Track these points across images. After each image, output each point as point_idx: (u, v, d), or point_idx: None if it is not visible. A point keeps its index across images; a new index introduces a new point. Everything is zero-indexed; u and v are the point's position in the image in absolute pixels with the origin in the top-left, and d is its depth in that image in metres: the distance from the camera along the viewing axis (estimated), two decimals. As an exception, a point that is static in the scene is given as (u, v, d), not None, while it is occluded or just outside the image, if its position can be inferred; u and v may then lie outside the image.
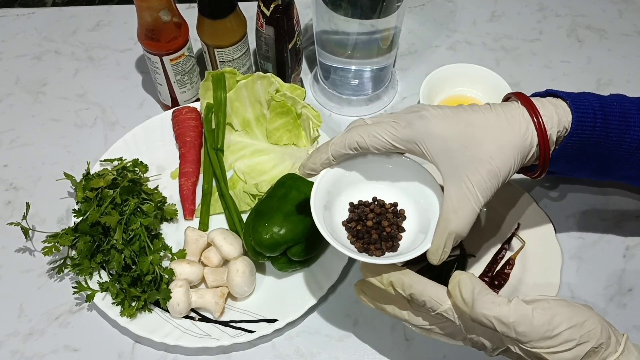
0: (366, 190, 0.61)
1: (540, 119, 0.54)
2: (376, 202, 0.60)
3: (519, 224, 0.73)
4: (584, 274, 0.72)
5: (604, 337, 0.48)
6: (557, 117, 0.55)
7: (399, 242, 0.58)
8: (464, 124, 0.54)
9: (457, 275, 0.52)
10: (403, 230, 0.59)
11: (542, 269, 0.70)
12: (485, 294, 0.50)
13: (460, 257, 0.71)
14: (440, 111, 0.54)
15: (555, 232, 0.72)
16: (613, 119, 0.56)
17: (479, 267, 0.71)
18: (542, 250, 0.71)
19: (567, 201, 0.77)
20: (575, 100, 0.56)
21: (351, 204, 0.60)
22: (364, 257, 0.54)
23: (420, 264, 0.71)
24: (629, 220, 0.76)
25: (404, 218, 0.59)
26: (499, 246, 0.72)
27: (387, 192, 0.61)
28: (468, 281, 0.51)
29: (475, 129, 0.53)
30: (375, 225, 0.58)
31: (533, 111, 0.55)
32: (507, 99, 0.60)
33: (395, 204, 0.60)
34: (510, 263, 0.71)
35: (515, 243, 0.72)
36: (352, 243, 0.57)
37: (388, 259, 0.54)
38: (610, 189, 0.78)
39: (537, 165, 0.58)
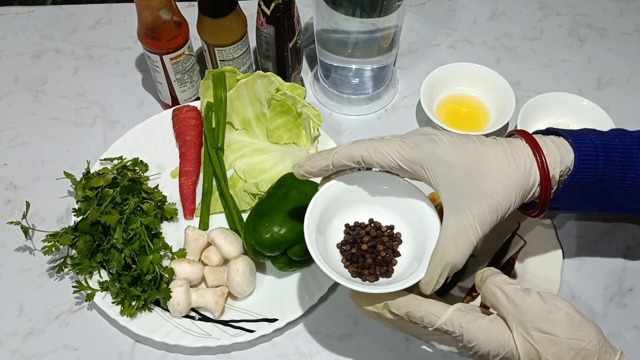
0: (362, 212, 0.60)
1: (544, 159, 0.54)
2: (372, 224, 0.59)
3: (519, 224, 0.73)
4: (584, 273, 0.72)
5: (600, 340, 0.49)
6: (560, 157, 0.55)
7: (394, 268, 0.57)
8: (471, 154, 0.53)
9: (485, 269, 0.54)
10: (398, 254, 0.58)
11: (542, 269, 0.70)
12: (501, 275, 0.52)
13: (461, 256, 0.71)
14: (450, 138, 0.54)
15: (556, 232, 0.72)
16: (615, 155, 0.56)
17: (479, 268, 0.71)
18: (543, 250, 0.71)
19: (568, 201, 0.77)
20: (577, 139, 0.56)
21: (347, 225, 0.59)
22: (356, 286, 0.53)
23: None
24: (629, 220, 0.76)
25: (400, 242, 0.58)
26: (499, 246, 0.72)
27: (383, 215, 0.60)
28: (491, 271, 0.54)
29: (482, 161, 0.53)
30: (370, 249, 0.57)
31: (537, 150, 0.55)
32: (510, 135, 0.59)
33: (391, 227, 0.59)
34: (510, 263, 0.71)
35: (516, 243, 0.72)
36: (345, 267, 0.57)
37: (381, 287, 0.53)
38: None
39: (537, 204, 0.58)
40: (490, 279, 0.53)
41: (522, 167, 0.54)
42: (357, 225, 0.59)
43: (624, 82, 0.90)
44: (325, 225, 0.58)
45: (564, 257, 0.70)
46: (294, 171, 0.59)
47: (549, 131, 0.59)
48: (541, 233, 0.72)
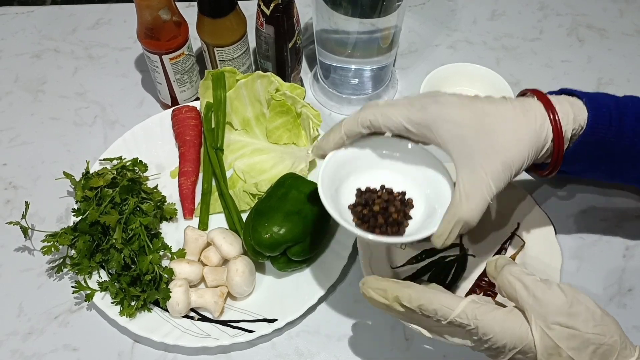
0: (374, 177, 0.60)
1: (557, 115, 0.54)
2: (384, 190, 0.59)
3: (519, 224, 0.73)
4: (584, 274, 0.72)
5: (621, 336, 0.48)
6: (573, 115, 0.55)
7: (405, 229, 0.57)
8: (480, 112, 0.53)
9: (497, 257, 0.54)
10: (410, 217, 0.58)
11: (542, 269, 0.69)
12: (517, 265, 0.51)
13: (461, 257, 0.71)
14: (456, 98, 0.54)
15: (555, 232, 0.72)
16: (628, 119, 0.56)
17: (478, 267, 0.71)
18: (542, 250, 0.71)
19: (567, 201, 0.77)
20: (591, 99, 0.57)
21: (359, 189, 0.59)
22: (370, 236, 0.54)
23: (419, 265, 0.71)
24: (629, 220, 0.76)
25: (412, 207, 0.59)
26: (499, 246, 0.72)
27: (395, 180, 0.60)
28: (505, 259, 0.53)
29: (491, 118, 0.53)
30: (382, 210, 0.57)
31: (549, 107, 0.55)
32: (522, 94, 0.60)
33: (403, 193, 0.59)
34: (510, 263, 0.71)
35: (515, 243, 0.72)
36: (357, 226, 0.57)
37: (392, 239, 0.55)
38: (610, 189, 0.78)
39: (548, 164, 0.58)
40: (507, 268, 0.51)
41: (533, 123, 0.54)
42: (369, 190, 0.59)
43: (623, 82, 0.90)
44: (337, 188, 0.58)
45: (563, 257, 0.70)
46: (313, 154, 0.59)
47: (563, 91, 0.59)
48: (541, 233, 0.72)
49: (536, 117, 0.54)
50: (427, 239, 0.54)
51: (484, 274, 0.70)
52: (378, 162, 0.60)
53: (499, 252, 0.72)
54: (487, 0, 1.01)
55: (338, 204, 0.58)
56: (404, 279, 0.69)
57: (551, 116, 0.54)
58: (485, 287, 0.69)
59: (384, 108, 0.55)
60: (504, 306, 0.52)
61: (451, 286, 0.70)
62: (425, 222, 0.56)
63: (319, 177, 0.56)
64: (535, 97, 0.56)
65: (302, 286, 0.69)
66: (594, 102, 0.56)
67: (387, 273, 0.70)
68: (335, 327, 0.69)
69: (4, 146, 0.85)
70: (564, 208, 0.77)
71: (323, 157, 0.58)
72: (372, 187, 0.60)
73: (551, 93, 0.59)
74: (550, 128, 0.54)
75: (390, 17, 0.76)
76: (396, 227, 0.57)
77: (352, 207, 0.58)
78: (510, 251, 0.72)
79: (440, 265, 0.71)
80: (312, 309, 0.69)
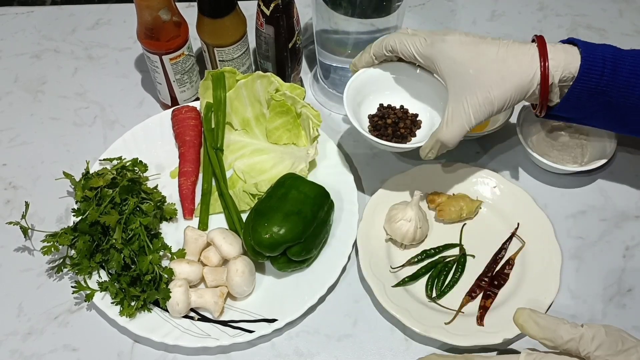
0: (395, 97, 0.75)
1: (547, 62, 0.59)
2: (401, 108, 0.74)
3: (518, 224, 0.73)
4: (584, 274, 0.72)
5: None
6: (564, 63, 0.60)
7: (407, 143, 0.72)
8: (476, 52, 0.61)
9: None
10: (414, 135, 0.73)
11: (542, 269, 0.70)
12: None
13: (460, 257, 0.71)
14: (460, 38, 0.63)
15: (555, 232, 0.72)
16: (623, 70, 0.60)
17: (479, 267, 0.71)
18: (542, 250, 0.71)
19: (567, 201, 0.77)
20: (589, 49, 0.60)
21: (381, 104, 0.75)
22: (375, 138, 0.69)
23: (419, 265, 0.71)
24: (628, 221, 0.76)
25: (419, 127, 0.74)
26: (499, 246, 0.72)
27: (412, 102, 0.75)
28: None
29: (485, 59, 0.61)
30: (393, 124, 0.73)
31: (542, 54, 0.60)
32: (532, 40, 0.64)
33: (416, 115, 0.74)
34: (510, 263, 0.71)
35: (515, 243, 0.72)
36: (369, 131, 0.72)
37: (392, 144, 0.69)
38: (610, 189, 0.78)
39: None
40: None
41: (522, 67, 0.60)
42: (390, 106, 0.75)
43: (623, 82, 0.90)
44: (360, 101, 0.74)
45: (563, 258, 0.70)
46: (350, 68, 0.73)
47: (569, 40, 0.63)
48: (540, 233, 0.72)
49: (527, 62, 0.60)
50: (417, 150, 0.68)
51: (483, 274, 0.70)
52: (399, 85, 0.75)
53: (499, 252, 0.72)
54: (487, 0, 1.02)
55: (358, 113, 0.73)
56: (404, 279, 0.70)
57: (542, 64, 0.60)
58: (485, 287, 0.69)
59: (405, 37, 0.66)
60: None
61: (451, 286, 0.70)
62: (430, 130, 0.70)
63: (346, 89, 0.71)
64: (536, 43, 0.62)
65: (301, 286, 0.69)
66: (590, 51, 0.60)
67: (387, 273, 0.70)
68: (335, 327, 0.69)
69: (4, 146, 0.85)
70: (564, 208, 0.77)
71: (356, 71, 0.72)
72: (392, 105, 0.75)
73: (563, 41, 0.63)
74: (538, 74, 0.60)
75: (390, 17, 0.76)
76: (400, 140, 0.72)
77: (371, 117, 0.74)
78: (511, 251, 0.72)
79: (439, 266, 0.71)
80: (312, 309, 0.69)
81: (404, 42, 0.66)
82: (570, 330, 0.54)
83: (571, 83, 0.61)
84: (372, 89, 0.74)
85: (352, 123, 0.70)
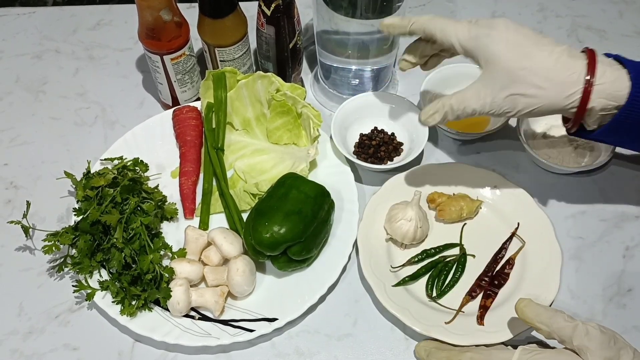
0: (376, 123, 0.83)
1: (591, 87, 0.56)
2: (391, 135, 0.81)
3: (518, 224, 0.73)
4: (584, 274, 0.72)
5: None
6: (611, 89, 0.57)
7: (388, 162, 0.79)
8: (521, 55, 0.58)
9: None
10: (391, 160, 0.80)
11: (542, 269, 0.70)
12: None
13: (460, 257, 0.72)
14: (507, 36, 0.59)
15: (555, 232, 0.72)
16: None
17: (479, 267, 0.71)
18: (542, 250, 0.71)
19: (567, 201, 0.77)
20: (638, 75, 0.57)
21: (375, 127, 0.82)
22: (360, 162, 0.77)
23: (419, 264, 0.71)
24: (628, 221, 0.76)
25: (398, 154, 0.80)
26: (499, 246, 0.72)
27: (390, 126, 0.82)
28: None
29: (529, 63, 0.58)
30: (376, 146, 0.80)
31: (590, 72, 0.57)
32: (583, 51, 0.61)
33: (400, 143, 0.81)
34: (510, 263, 0.71)
35: (516, 243, 0.72)
36: (355, 152, 0.80)
37: (374, 166, 0.77)
38: (610, 189, 0.78)
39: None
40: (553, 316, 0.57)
41: (563, 84, 0.57)
42: (382, 130, 0.82)
43: (623, 83, 0.90)
44: (345, 130, 0.82)
45: (563, 258, 0.70)
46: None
47: (617, 58, 0.60)
48: (540, 233, 0.72)
49: (570, 79, 0.57)
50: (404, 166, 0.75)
51: (484, 273, 0.70)
52: (376, 111, 0.83)
53: (499, 252, 0.72)
54: (487, 1, 1.02)
55: (345, 142, 0.80)
56: (405, 279, 0.70)
57: (585, 85, 0.56)
58: (486, 286, 0.69)
59: (447, 24, 0.63)
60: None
61: (451, 286, 0.70)
62: (405, 159, 0.77)
63: (331, 125, 0.79)
64: (586, 61, 0.58)
65: (302, 286, 0.69)
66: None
67: (387, 273, 0.70)
68: (335, 327, 0.69)
69: (5, 146, 0.85)
70: (564, 208, 0.77)
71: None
72: (373, 131, 0.82)
73: (609, 56, 0.60)
74: (579, 95, 0.57)
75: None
76: (378, 161, 0.79)
77: (362, 134, 0.82)
78: (511, 251, 0.72)
79: (439, 266, 0.71)
80: (312, 308, 0.69)
81: (446, 30, 0.62)
82: (567, 318, 0.56)
83: (615, 111, 0.57)
84: (349, 122, 0.82)
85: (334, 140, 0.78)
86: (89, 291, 0.68)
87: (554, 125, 0.81)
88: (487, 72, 0.60)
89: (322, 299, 0.69)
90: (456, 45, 0.63)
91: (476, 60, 0.62)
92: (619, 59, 0.60)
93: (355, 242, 0.72)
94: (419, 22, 0.65)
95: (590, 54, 0.59)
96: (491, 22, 0.61)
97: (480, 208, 0.75)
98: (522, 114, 0.60)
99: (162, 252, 0.71)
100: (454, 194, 0.75)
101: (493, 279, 0.70)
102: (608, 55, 0.61)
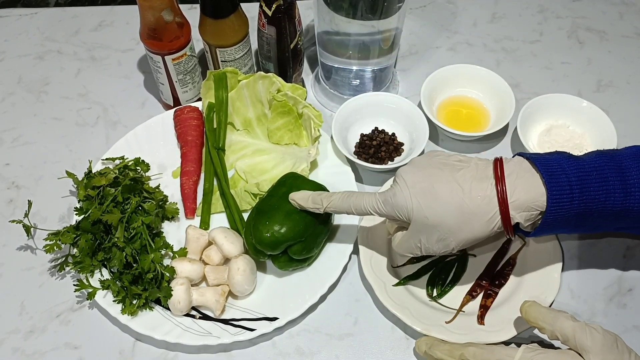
0: (377, 123, 0.83)
1: (507, 208, 0.56)
2: (392, 135, 0.82)
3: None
4: (584, 274, 0.72)
5: None
6: (528, 202, 0.56)
7: (389, 162, 0.80)
8: (431, 199, 0.58)
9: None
10: (392, 160, 0.80)
11: (542, 269, 0.70)
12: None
13: (461, 257, 0.72)
14: (410, 191, 0.59)
15: (556, 232, 0.72)
16: (592, 188, 0.56)
17: (479, 267, 0.71)
18: (542, 250, 0.71)
19: (567, 201, 0.77)
20: (552, 177, 0.56)
21: (376, 127, 0.83)
22: (361, 161, 0.77)
23: (419, 264, 0.72)
24: (629, 221, 0.76)
25: (399, 154, 0.81)
26: (499, 246, 0.72)
27: (391, 126, 0.83)
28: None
29: (440, 205, 0.58)
30: (377, 146, 0.80)
31: (501, 196, 0.56)
32: (496, 160, 0.59)
33: (401, 144, 0.82)
34: (510, 263, 0.71)
35: (515, 243, 0.73)
36: (355, 153, 0.81)
37: (374, 166, 0.78)
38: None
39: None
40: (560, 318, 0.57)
41: (480, 212, 0.57)
42: (382, 130, 0.82)
43: (623, 84, 0.90)
44: (346, 133, 0.82)
45: (563, 257, 0.70)
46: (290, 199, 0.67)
47: (524, 156, 0.59)
48: (541, 233, 0.72)
49: (484, 206, 0.57)
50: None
51: (484, 273, 0.71)
52: (377, 111, 0.83)
53: (499, 252, 0.72)
54: (488, 3, 1.02)
55: (346, 142, 0.81)
56: (405, 279, 0.70)
57: (500, 207, 0.56)
58: (486, 286, 0.69)
59: (360, 199, 0.62)
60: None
61: (452, 285, 0.70)
62: (405, 159, 0.78)
63: (332, 125, 0.79)
64: (495, 182, 0.57)
65: (303, 285, 0.70)
66: (555, 179, 0.55)
67: (387, 272, 0.70)
68: (336, 326, 0.69)
69: (7, 146, 0.85)
70: (564, 208, 0.77)
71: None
72: (374, 131, 0.82)
73: (522, 155, 0.59)
74: (498, 217, 0.57)
75: (391, 19, 0.76)
76: (378, 161, 0.79)
77: (363, 134, 0.82)
78: (511, 251, 0.72)
79: (440, 265, 0.71)
80: (313, 307, 0.69)
81: (362, 204, 0.62)
82: (570, 318, 0.56)
83: (540, 217, 0.57)
84: (351, 121, 0.83)
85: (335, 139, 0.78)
86: (90, 290, 0.68)
87: (554, 126, 0.81)
88: (412, 224, 0.60)
89: (322, 298, 0.69)
90: (374, 214, 0.62)
91: (398, 219, 0.61)
92: (530, 159, 0.58)
93: (356, 241, 0.72)
94: (332, 203, 0.64)
95: (497, 168, 0.58)
96: (394, 187, 0.61)
97: (481, 208, 0.75)
98: (459, 248, 0.60)
99: (163, 252, 0.71)
100: (454, 194, 0.75)
101: (494, 278, 0.70)
102: (521, 154, 0.59)
